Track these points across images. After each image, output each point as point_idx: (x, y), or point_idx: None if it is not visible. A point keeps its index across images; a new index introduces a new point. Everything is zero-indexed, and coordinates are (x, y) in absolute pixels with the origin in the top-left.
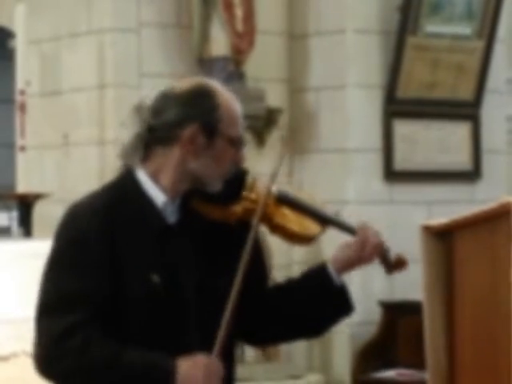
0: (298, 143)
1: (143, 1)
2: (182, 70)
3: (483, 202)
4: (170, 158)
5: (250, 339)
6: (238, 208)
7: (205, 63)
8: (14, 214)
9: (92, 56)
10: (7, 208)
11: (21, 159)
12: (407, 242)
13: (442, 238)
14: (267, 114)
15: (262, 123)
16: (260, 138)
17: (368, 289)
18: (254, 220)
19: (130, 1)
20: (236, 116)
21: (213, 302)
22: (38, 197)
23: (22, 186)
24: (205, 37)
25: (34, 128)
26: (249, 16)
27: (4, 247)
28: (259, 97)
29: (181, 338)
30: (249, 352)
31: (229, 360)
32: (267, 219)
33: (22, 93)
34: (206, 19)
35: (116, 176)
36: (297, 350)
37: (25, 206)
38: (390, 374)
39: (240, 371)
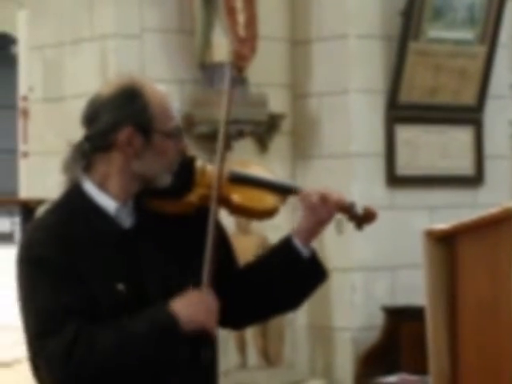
0: (300, 149)
1: (146, 6)
2: (184, 76)
3: (485, 208)
4: (113, 164)
5: (228, 323)
6: (192, 197)
7: (207, 69)
8: (17, 219)
9: (95, 62)
10: (10, 214)
11: (23, 165)
12: (409, 247)
13: (445, 243)
14: (270, 119)
15: (265, 129)
16: (263, 144)
17: (371, 294)
18: (212, 203)
19: (132, 7)
20: (167, 109)
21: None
22: (40, 202)
23: (25, 192)
24: (207, 42)
25: (37, 134)
26: (251, 22)
27: (6, 253)
28: (261, 102)
29: None
30: (251, 358)
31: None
32: (225, 200)
33: (25, 99)
34: (208, 25)
35: (63, 192)
36: (299, 355)
37: (27, 211)
38: (392, 378)
39: (242, 377)
